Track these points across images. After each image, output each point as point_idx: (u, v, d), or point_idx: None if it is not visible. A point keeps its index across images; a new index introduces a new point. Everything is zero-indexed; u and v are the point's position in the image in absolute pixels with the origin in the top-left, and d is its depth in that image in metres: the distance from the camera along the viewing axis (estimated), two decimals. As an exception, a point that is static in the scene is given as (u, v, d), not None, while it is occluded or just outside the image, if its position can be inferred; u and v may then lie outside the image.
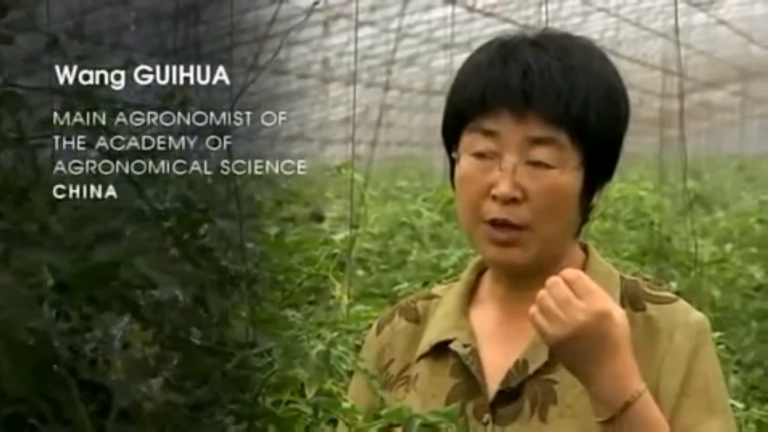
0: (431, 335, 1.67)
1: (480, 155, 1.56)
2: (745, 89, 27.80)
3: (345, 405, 1.29)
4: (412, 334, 1.70)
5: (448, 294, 1.71)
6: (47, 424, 1.15)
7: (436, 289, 1.76)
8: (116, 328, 1.20)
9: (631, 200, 5.41)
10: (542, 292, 1.45)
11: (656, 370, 1.57)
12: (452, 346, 1.63)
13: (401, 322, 1.72)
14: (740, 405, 2.99)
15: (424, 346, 1.66)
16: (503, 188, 1.53)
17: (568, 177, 1.55)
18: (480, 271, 1.70)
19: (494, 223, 1.55)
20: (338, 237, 3.68)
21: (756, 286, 4.89)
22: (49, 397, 1.15)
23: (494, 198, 1.54)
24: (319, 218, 5.83)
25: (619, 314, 1.47)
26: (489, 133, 1.55)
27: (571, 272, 1.46)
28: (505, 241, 1.56)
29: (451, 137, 1.61)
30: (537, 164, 1.54)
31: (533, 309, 1.46)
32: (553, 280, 1.45)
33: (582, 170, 1.56)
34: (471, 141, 1.57)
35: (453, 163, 1.61)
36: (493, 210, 1.55)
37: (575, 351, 1.45)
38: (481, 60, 1.59)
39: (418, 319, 1.71)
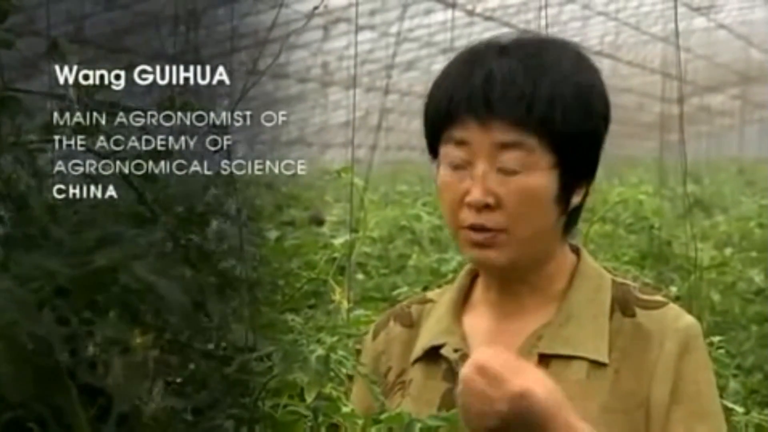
0: (424, 340, 1.68)
1: (454, 164, 1.58)
2: (745, 93, 27.82)
3: (345, 409, 1.29)
4: (407, 339, 1.71)
5: (442, 298, 1.72)
6: (47, 428, 1.15)
7: (431, 294, 1.77)
8: (116, 332, 1.20)
9: (630, 204, 5.41)
10: (461, 389, 1.43)
11: (648, 378, 1.57)
12: (443, 351, 1.64)
13: (396, 327, 1.73)
14: (740, 409, 2.99)
15: (418, 351, 1.68)
16: (475, 196, 1.55)
17: (540, 179, 1.55)
18: (473, 276, 1.71)
19: (472, 228, 1.57)
20: (338, 241, 3.67)
21: (756, 290, 4.89)
22: (48, 402, 1.15)
23: (469, 205, 1.56)
24: (319, 222, 5.83)
25: (539, 385, 1.44)
26: (460, 143, 1.57)
27: (479, 359, 1.45)
28: (482, 243, 1.57)
29: (431, 147, 1.62)
30: (506, 169, 1.54)
31: (459, 402, 1.44)
32: (467, 375, 1.43)
33: (556, 171, 1.56)
34: (445, 151, 1.59)
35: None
36: (469, 217, 1.57)
37: None
38: (449, 70, 1.61)
39: (412, 324, 1.72)
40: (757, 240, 6.11)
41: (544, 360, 1.59)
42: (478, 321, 1.67)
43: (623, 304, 1.62)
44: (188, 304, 1.25)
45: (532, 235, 1.57)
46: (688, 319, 1.62)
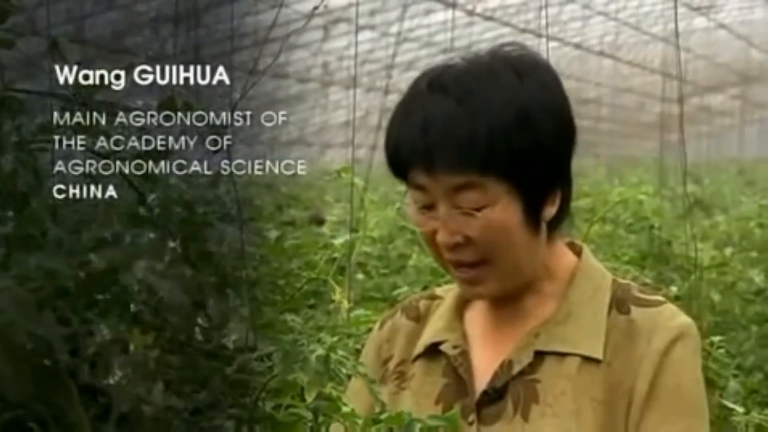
0: (426, 336, 1.70)
1: (419, 206, 1.58)
2: (745, 93, 27.82)
3: (345, 409, 1.29)
4: (412, 332, 1.73)
5: (448, 296, 1.74)
6: (47, 428, 1.15)
7: (439, 290, 1.79)
8: (116, 332, 1.20)
9: (630, 204, 5.40)
10: None
11: (634, 371, 1.57)
12: (443, 347, 1.66)
13: (402, 319, 1.75)
14: (740, 409, 2.99)
15: (419, 347, 1.69)
16: (441, 238, 1.56)
17: (501, 212, 1.54)
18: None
19: (453, 264, 1.59)
20: (338, 241, 3.67)
21: (756, 290, 4.89)
22: (48, 402, 1.15)
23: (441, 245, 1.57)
24: (319, 222, 5.83)
25: None
26: (417, 187, 1.57)
27: None
28: (469, 280, 1.59)
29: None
30: (465, 210, 1.54)
31: None
32: None
33: (515, 197, 1.54)
34: (411, 194, 1.59)
35: None
36: (445, 253, 1.58)
37: None
38: (396, 114, 1.61)
39: (419, 318, 1.74)
40: (757, 240, 6.11)
41: (539, 356, 1.59)
42: (478, 319, 1.69)
43: (620, 302, 1.63)
44: (188, 304, 1.25)
45: (512, 263, 1.58)
46: (684, 319, 1.61)
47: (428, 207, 1.57)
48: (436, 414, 1.34)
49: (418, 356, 1.69)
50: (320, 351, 1.29)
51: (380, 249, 4.87)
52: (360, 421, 1.28)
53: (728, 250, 5.35)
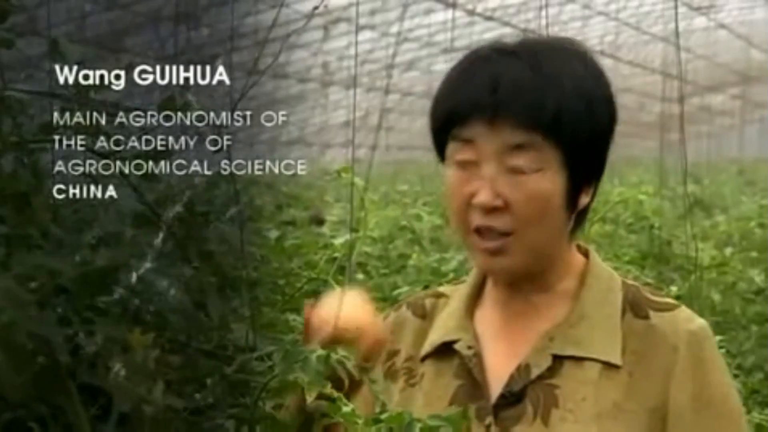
0: (436, 335, 1.68)
1: (461, 164, 1.56)
2: (745, 93, 27.83)
3: (345, 409, 1.29)
4: (418, 329, 1.71)
5: (455, 294, 1.72)
6: (47, 428, 1.15)
7: (444, 288, 1.77)
8: (116, 332, 1.20)
9: (631, 204, 5.41)
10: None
11: (662, 382, 1.56)
12: (456, 346, 1.64)
13: (408, 314, 1.73)
14: (740, 409, 2.99)
15: (428, 346, 1.68)
16: (482, 198, 1.53)
17: (549, 181, 1.54)
18: (485, 274, 1.71)
19: (479, 231, 1.55)
20: (338, 241, 3.67)
21: (756, 290, 4.89)
22: (48, 402, 1.15)
23: (477, 207, 1.54)
24: (320, 222, 5.83)
25: None
26: (467, 142, 1.55)
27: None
28: (493, 250, 1.55)
29: (438, 148, 1.61)
30: (516, 170, 1.53)
31: None
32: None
33: (564, 172, 1.55)
34: (453, 150, 1.57)
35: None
36: (476, 219, 1.55)
37: None
38: (456, 71, 1.59)
39: (425, 315, 1.72)
40: (758, 240, 6.11)
41: (557, 360, 1.58)
42: (489, 318, 1.67)
43: (635, 305, 1.62)
44: (188, 304, 1.25)
45: (540, 239, 1.56)
46: (701, 321, 1.61)
47: (470, 167, 1.55)
48: (437, 414, 1.34)
49: (427, 356, 1.67)
50: (320, 351, 1.29)
51: (380, 249, 4.87)
52: (360, 421, 1.28)
53: (728, 250, 5.36)
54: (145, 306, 1.22)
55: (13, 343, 1.09)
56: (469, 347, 1.63)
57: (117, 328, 1.19)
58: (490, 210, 1.54)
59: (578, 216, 1.61)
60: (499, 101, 1.52)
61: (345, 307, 1.47)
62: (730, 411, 1.57)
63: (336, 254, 3.50)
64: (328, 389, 1.28)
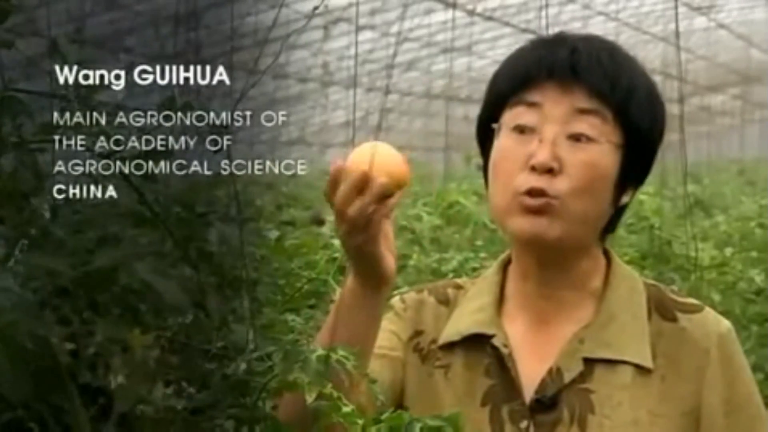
0: (463, 324, 1.64)
1: (520, 129, 1.56)
2: (745, 93, 27.83)
3: (345, 409, 1.29)
4: (440, 314, 1.68)
5: (473, 289, 1.69)
6: (47, 428, 1.15)
7: (461, 281, 1.74)
8: (116, 332, 1.20)
9: (631, 204, 5.40)
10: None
11: (697, 384, 1.56)
12: (494, 341, 1.61)
13: (430, 298, 1.71)
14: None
15: (455, 334, 1.64)
16: (541, 157, 1.52)
17: (607, 153, 1.55)
18: (505, 272, 1.68)
19: (530, 193, 1.53)
20: (338, 241, 3.67)
21: (756, 290, 4.89)
22: (48, 402, 1.15)
23: (532, 169, 1.53)
24: (320, 222, 5.83)
25: None
26: (532, 105, 1.55)
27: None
28: (537, 209, 1.53)
29: (488, 121, 1.60)
30: (578, 137, 1.53)
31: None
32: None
33: (621, 152, 1.56)
34: (513, 115, 1.57)
35: (486, 155, 1.61)
36: (530, 180, 1.53)
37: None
38: (523, 49, 1.61)
39: (447, 302, 1.69)
40: (758, 240, 6.11)
41: (589, 364, 1.57)
42: (515, 319, 1.64)
43: (660, 306, 1.62)
44: (188, 304, 1.25)
45: (585, 212, 1.55)
46: (726, 323, 1.62)
47: (530, 131, 1.55)
48: (438, 414, 1.34)
49: (454, 344, 1.64)
50: (320, 351, 1.29)
51: (380, 249, 4.85)
52: (360, 421, 1.28)
53: (728, 250, 5.35)
54: (145, 306, 1.22)
55: (13, 343, 1.09)
56: (505, 345, 1.61)
57: (117, 328, 1.19)
58: (544, 172, 1.53)
59: (613, 219, 1.62)
60: (578, 67, 1.55)
61: (378, 155, 1.46)
62: (758, 410, 1.59)
63: (336, 254, 3.50)
64: (329, 389, 1.28)
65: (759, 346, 4.35)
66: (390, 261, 1.48)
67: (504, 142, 1.57)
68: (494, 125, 1.59)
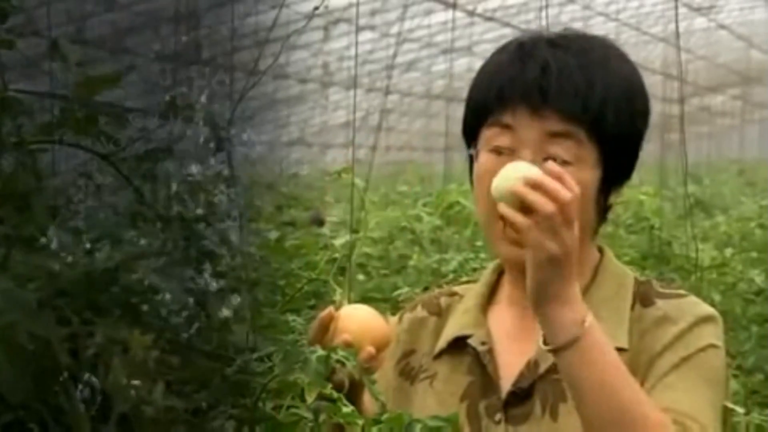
0: (450, 330, 1.69)
1: (497, 150, 1.56)
2: (746, 93, 27.82)
3: (345, 410, 1.29)
4: (434, 327, 1.72)
5: (468, 292, 1.73)
6: (47, 428, 1.15)
7: (457, 287, 1.78)
8: (116, 332, 1.20)
9: (631, 204, 5.41)
10: (550, 211, 1.39)
11: (660, 350, 1.56)
12: (470, 341, 1.65)
13: (423, 312, 1.74)
14: (741, 410, 2.99)
15: (442, 342, 1.68)
16: None
17: (586, 174, 1.54)
18: (500, 273, 1.71)
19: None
20: (338, 241, 3.67)
21: (756, 290, 4.89)
22: (48, 402, 1.15)
23: None
24: (320, 223, 5.83)
25: None
26: (506, 128, 1.55)
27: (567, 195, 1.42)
28: (518, 240, 1.51)
29: (470, 135, 1.61)
30: (554, 158, 1.53)
31: (526, 222, 1.40)
32: (566, 196, 1.40)
33: (599, 168, 1.56)
34: (489, 136, 1.57)
35: (472, 161, 1.62)
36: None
37: (557, 273, 1.42)
38: (500, 59, 1.60)
39: (440, 313, 1.73)
40: (758, 240, 6.11)
41: None
42: (502, 317, 1.68)
43: (644, 298, 1.63)
44: (188, 304, 1.25)
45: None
46: (708, 308, 1.63)
47: (506, 153, 1.54)
48: (437, 414, 1.34)
49: (442, 352, 1.68)
50: (321, 351, 1.29)
51: (381, 250, 4.87)
52: (360, 422, 1.28)
53: (728, 251, 5.35)
54: (145, 306, 1.22)
55: (13, 343, 1.09)
56: (483, 343, 1.64)
57: (117, 328, 1.19)
58: None
59: (601, 214, 1.62)
60: (548, 90, 1.53)
61: (359, 321, 1.52)
62: (701, 370, 1.55)
63: (336, 255, 3.51)
64: (329, 390, 1.28)
65: (759, 346, 4.35)
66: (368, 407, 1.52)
67: (482, 162, 1.58)
68: (471, 151, 1.60)
